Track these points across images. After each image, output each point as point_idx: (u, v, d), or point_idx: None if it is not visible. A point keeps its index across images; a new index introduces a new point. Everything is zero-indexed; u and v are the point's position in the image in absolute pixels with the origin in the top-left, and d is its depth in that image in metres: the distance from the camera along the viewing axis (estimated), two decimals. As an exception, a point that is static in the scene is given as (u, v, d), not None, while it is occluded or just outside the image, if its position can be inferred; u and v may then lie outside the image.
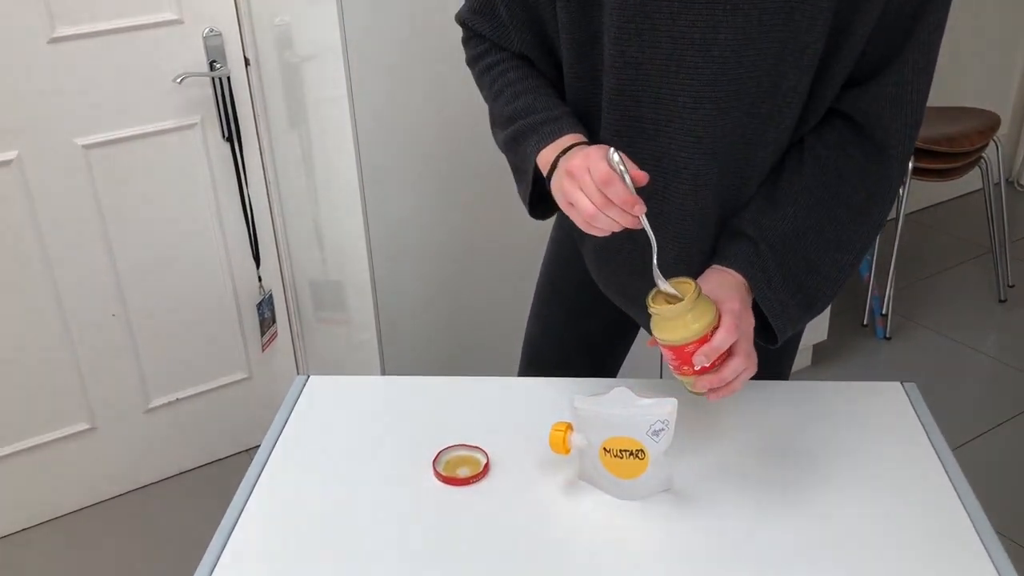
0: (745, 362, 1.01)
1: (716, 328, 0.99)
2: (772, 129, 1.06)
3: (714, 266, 1.10)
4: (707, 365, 1.00)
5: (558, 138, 1.09)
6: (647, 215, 0.97)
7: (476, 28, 1.19)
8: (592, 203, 0.97)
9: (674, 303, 0.99)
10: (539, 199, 1.19)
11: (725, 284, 1.06)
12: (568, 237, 1.35)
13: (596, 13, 1.06)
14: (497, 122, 1.21)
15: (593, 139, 1.13)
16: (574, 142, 1.07)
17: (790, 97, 1.03)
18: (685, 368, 1.01)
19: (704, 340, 0.99)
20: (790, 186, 1.09)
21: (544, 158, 1.09)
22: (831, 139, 1.08)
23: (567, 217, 1.06)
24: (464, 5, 1.21)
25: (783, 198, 1.09)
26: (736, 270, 1.08)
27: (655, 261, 1.00)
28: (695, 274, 1.10)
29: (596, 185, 0.96)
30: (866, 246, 1.12)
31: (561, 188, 1.01)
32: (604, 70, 1.07)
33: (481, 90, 1.23)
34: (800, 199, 1.08)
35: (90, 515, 2.28)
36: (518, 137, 1.14)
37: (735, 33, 0.98)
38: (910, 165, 2.77)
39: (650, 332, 1.05)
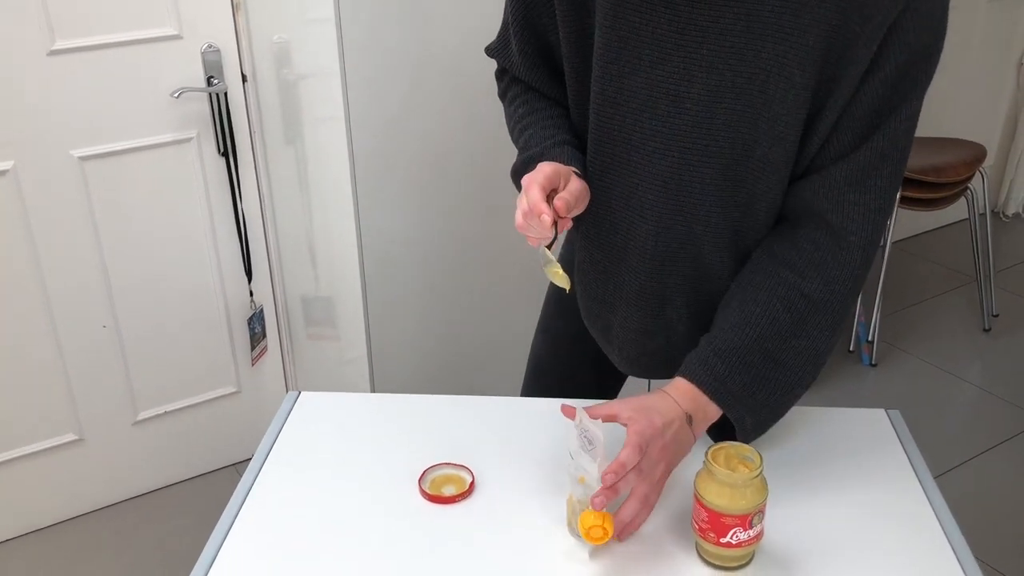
0: (637, 507, 0.99)
1: (758, 511, 0.96)
2: (743, 193, 1.07)
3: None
4: (610, 485, 0.95)
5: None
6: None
7: (498, 60, 1.26)
8: (520, 212, 1.02)
9: (735, 469, 0.96)
10: None
11: (653, 402, 1.03)
12: (571, 254, 1.37)
13: (589, 48, 1.09)
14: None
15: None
16: None
17: (763, 164, 1.04)
18: (711, 535, 0.97)
19: (745, 519, 0.95)
20: (745, 286, 1.10)
21: None
22: (788, 232, 1.09)
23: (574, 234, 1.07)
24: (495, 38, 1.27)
25: (736, 300, 1.09)
26: (682, 374, 1.07)
27: (545, 247, 1.03)
28: (654, 327, 1.14)
29: (525, 193, 1.02)
30: (830, 330, 1.08)
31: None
32: (590, 105, 1.11)
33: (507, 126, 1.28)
34: (753, 296, 1.08)
35: (77, 526, 2.27)
36: (518, 172, 1.17)
37: (707, 90, 1.01)
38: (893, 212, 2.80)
39: (627, 373, 1.05)
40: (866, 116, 1.01)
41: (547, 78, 1.20)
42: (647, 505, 1.00)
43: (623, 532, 1.01)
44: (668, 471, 1.02)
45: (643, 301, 1.19)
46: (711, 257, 1.13)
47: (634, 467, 0.97)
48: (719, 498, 0.95)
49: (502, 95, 1.29)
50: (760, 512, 0.96)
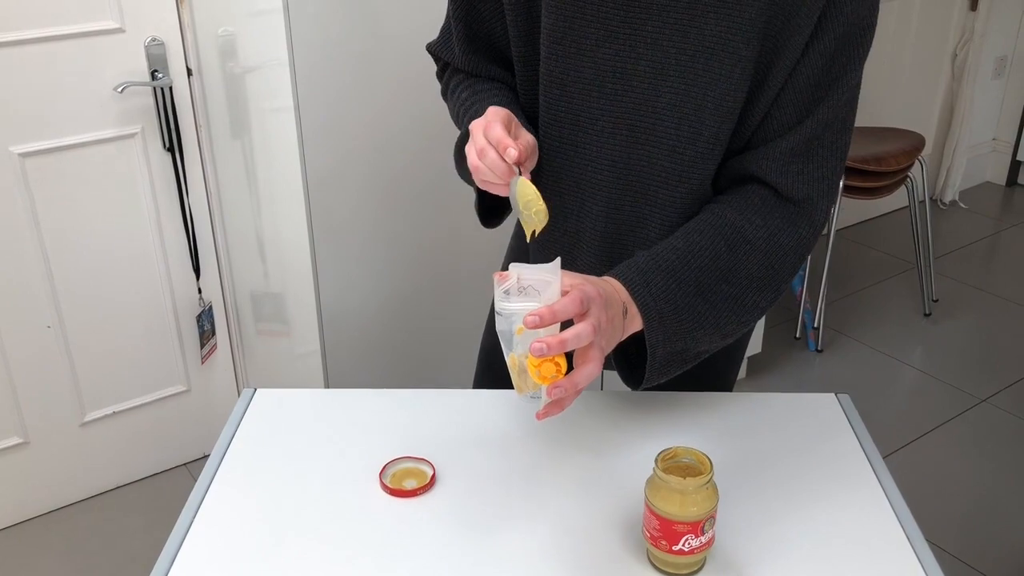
0: (596, 369, 0.89)
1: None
2: (695, 176, 1.07)
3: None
4: (545, 352, 0.87)
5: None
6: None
7: (441, 56, 1.24)
8: (475, 152, 0.98)
9: (682, 476, 0.94)
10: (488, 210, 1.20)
11: (591, 279, 0.96)
12: (522, 244, 1.38)
13: (536, 32, 1.10)
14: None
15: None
16: None
17: (712, 144, 1.05)
18: (663, 543, 0.96)
19: (696, 525, 0.94)
20: (694, 222, 1.09)
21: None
22: (737, 188, 1.10)
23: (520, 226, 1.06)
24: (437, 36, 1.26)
25: (682, 231, 1.08)
26: (614, 275, 1.01)
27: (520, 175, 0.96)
28: None
29: (482, 132, 0.98)
30: (761, 286, 1.07)
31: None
32: (539, 88, 1.12)
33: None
34: (698, 229, 1.07)
35: (23, 531, 2.22)
36: (460, 146, 1.14)
37: (653, 67, 1.02)
38: (840, 187, 2.86)
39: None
40: (808, 88, 1.03)
41: (489, 65, 1.19)
42: (596, 345, 0.90)
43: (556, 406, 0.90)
44: (604, 347, 0.93)
45: None
46: (659, 239, 1.13)
47: (581, 315, 0.88)
48: (670, 505, 0.94)
49: (444, 90, 1.26)
50: (712, 518, 0.96)
